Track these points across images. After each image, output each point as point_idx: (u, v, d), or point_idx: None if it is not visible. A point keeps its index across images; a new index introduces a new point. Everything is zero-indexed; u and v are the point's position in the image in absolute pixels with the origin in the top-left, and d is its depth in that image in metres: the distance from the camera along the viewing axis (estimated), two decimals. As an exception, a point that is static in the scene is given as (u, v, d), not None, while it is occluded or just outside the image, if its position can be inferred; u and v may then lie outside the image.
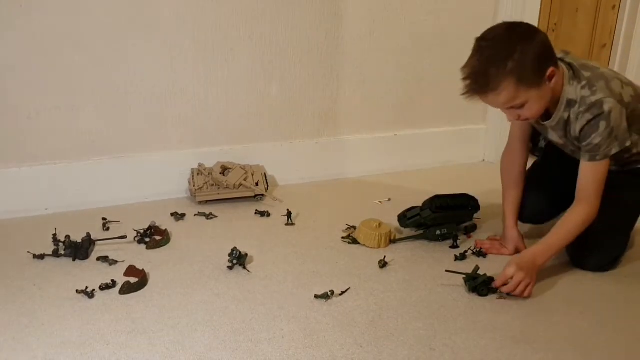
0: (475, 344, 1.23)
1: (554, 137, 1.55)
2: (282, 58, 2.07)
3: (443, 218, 1.68)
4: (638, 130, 1.50)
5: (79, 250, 1.56)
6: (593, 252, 1.54)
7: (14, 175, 1.83)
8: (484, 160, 2.47)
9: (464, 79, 1.39)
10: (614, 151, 1.44)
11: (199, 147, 2.06)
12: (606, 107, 1.40)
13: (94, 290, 1.39)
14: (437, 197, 1.71)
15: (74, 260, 1.55)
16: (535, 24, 2.42)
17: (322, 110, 2.19)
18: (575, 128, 1.45)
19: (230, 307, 1.35)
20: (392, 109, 2.29)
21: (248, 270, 1.52)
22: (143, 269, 1.47)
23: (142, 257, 1.58)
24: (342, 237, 1.72)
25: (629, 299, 1.43)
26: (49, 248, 1.59)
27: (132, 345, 1.20)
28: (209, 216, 1.87)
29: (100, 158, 1.93)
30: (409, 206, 1.74)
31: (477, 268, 1.45)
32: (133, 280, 1.43)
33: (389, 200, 2.03)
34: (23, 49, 1.76)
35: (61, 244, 1.58)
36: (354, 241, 1.70)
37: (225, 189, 1.96)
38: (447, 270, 1.46)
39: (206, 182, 1.95)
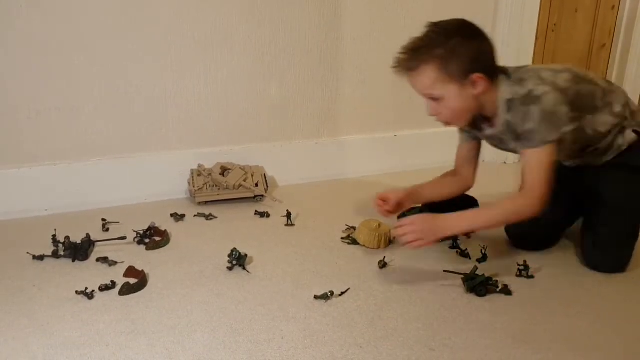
0: (475, 344, 1.23)
1: (509, 145, 1.53)
2: (281, 58, 2.07)
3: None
4: (592, 109, 1.48)
5: (79, 251, 1.56)
6: (607, 254, 1.54)
7: (14, 175, 1.84)
8: (483, 160, 2.45)
9: (399, 53, 1.44)
10: (551, 137, 1.40)
11: (198, 147, 2.06)
12: (537, 93, 1.39)
13: (93, 291, 1.39)
14: (437, 197, 1.71)
15: (73, 261, 1.55)
16: (534, 23, 2.42)
17: (321, 111, 2.19)
18: (522, 125, 1.43)
19: (229, 307, 1.35)
20: (392, 109, 2.29)
21: (248, 271, 1.52)
22: (143, 270, 1.47)
23: (141, 257, 1.58)
24: (342, 238, 1.72)
25: (629, 298, 1.43)
26: (49, 249, 1.59)
27: (131, 346, 1.20)
28: (209, 217, 1.87)
29: (100, 158, 1.93)
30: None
31: (475, 268, 1.45)
32: (133, 281, 1.43)
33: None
34: (23, 49, 1.76)
35: (61, 245, 1.58)
36: (354, 241, 1.70)
37: (224, 190, 1.96)
38: (445, 271, 1.47)
39: (206, 183, 1.95)
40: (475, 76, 1.40)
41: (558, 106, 1.40)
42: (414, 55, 1.42)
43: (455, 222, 1.44)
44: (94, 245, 1.61)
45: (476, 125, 1.56)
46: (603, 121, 1.49)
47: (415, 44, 1.43)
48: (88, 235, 1.61)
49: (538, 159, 1.42)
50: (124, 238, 1.65)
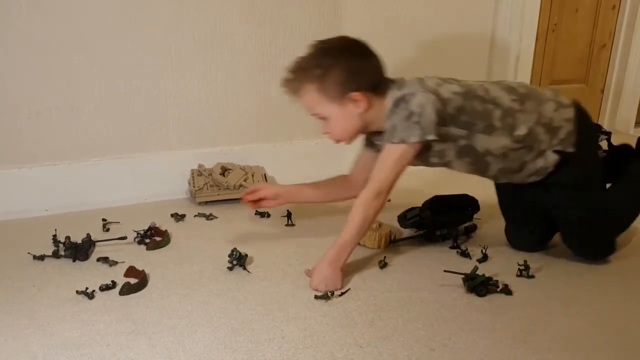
0: (475, 344, 1.23)
1: None
2: (282, 58, 2.07)
3: (443, 219, 1.68)
4: (487, 129, 1.43)
5: (79, 251, 1.56)
6: (590, 255, 1.58)
7: (14, 175, 1.84)
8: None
9: (285, 73, 1.46)
10: (412, 139, 1.38)
11: (198, 147, 2.06)
12: (409, 95, 1.38)
13: (94, 291, 1.39)
14: (437, 197, 1.71)
15: (74, 261, 1.55)
16: (535, 24, 2.43)
17: (322, 111, 2.19)
18: (388, 122, 1.42)
19: (230, 307, 1.35)
20: (392, 110, 2.29)
21: (248, 271, 1.52)
22: (143, 270, 1.47)
23: (142, 257, 1.58)
24: (342, 238, 1.72)
25: (629, 298, 1.43)
26: (49, 249, 1.59)
27: (132, 346, 1.20)
28: (209, 217, 1.87)
29: (100, 159, 1.93)
30: (409, 207, 1.74)
31: (475, 268, 1.45)
32: (133, 281, 1.43)
33: (389, 200, 2.02)
34: (23, 49, 1.76)
35: (61, 245, 1.58)
36: (354, 241, 1.70)
37: (225, 190, 1.96)
38: (445, 271, 1.47)
39: (206, 183, 1.96)
40: (354, 95, 1.40)
41: (426, 109, 1.37)
42: (295, 77, 1.44)
43: (335, 253, 1.44)
44: (94, 245, 1.61)
45: (370, 139, 1.57)
46: (499, 144, 1.44)
47: (295, 66, 1.45)
48: (88, 235, 1.61)
49: (389, 155, 1.42)
50: (124, 238, 1.65)
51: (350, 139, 1.52)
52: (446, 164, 1.52)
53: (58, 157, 1.89)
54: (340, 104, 1.42)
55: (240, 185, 1.96)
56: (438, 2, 2.24)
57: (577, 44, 2.85)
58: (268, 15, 2.01)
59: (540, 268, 1.54)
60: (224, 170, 2.00)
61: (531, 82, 2.58)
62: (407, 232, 1.75)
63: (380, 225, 1.69)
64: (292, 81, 1.45)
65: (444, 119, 1.40)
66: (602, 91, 3.04)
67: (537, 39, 2.53)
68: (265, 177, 2.07)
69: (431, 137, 1.39)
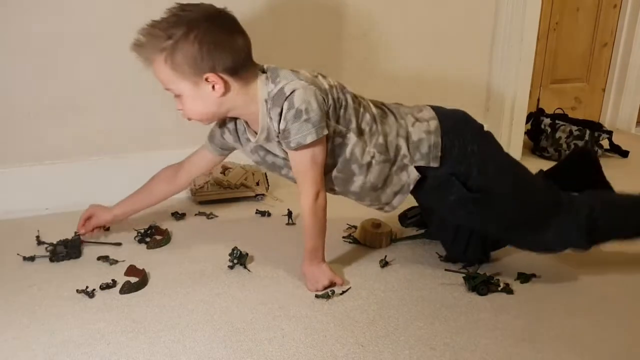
0: (476, 343, 1.22)
1: (277, 154, 1.41)
2: (281, 58, 2.07)
3: (444, 217, 1.68)
4: (357, 132, 1.36)
5: (72, 248, 1.55)
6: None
7: (14, 174, 1.83)
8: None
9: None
10: (309, 139, 1.27)
11: (199, 146, 2.06)
12: (288, 90, 1.26)
13: (94, 290, 1.39)
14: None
15: (68, 259, 1.55)
16: (536, 23, 2.42)
17: (322, 110, 2.19)
18: (276, 128, 1.31)
19: (230, 306, 1.35)
20: (393, 109, 2.29)
21: (249, 270, 1.52)
22: (143, 269, 1.47)
23: (142, 256, 1.58)
24: (343, 237, 1.72)
25: (631, 298, 1.43)
26: (49, 248, 1.58)
27: (132, 345, 1.20)
28: (210, 216, 1.87)
29: (100, 158, 1.93)
30: (409, 206, 1.74)
31: (477, 267, 1.45)
32: (133, 279, 1.43)
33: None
34: (23, 48, 1.76)
35: (56, 244, 1.57)
36: (355, 241, 1.69)
37: (225, 189, 1.96)
38: (446, 270, 1.47)
39: (207, 182, 1.95)
40: (208, 76, 1.26)
41: (311, 103, 1.26)
42: (145, 43, 1.27)
43: (309, 258, 1.44)
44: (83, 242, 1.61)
45: (239, 136, 1.46)
46: (365, 150, 1.37)
47: (146, 30, 1.27)
48: (76, 233, 1.61)
49: (301, 162, 1.33)
50: (119, 244, 1.64)
51: (207, 121, 1.40)
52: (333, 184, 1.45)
53: (58, 156, 1.88)
54: (194, 83, 1.27)
55: (241, 184, 1.96)
56: (438, 2, 2.24)
57: (578, 43, 2.85)
58: (268, 15, 2.00)
59: (542, 267, 1.54)
60: (225, 169, 2.00)
61: (532, 81, 2.58)
62: (408, 232, 1.75)
63: (381, 224, 1.69)
64: (141, 47, 1.27)
65: (327, 111, 1.31)
66: (604, 90, 3.03)
67: (538, 38, 2.52)
68: (266, 176, 2.06)
69: (326, 131, 1.30)
